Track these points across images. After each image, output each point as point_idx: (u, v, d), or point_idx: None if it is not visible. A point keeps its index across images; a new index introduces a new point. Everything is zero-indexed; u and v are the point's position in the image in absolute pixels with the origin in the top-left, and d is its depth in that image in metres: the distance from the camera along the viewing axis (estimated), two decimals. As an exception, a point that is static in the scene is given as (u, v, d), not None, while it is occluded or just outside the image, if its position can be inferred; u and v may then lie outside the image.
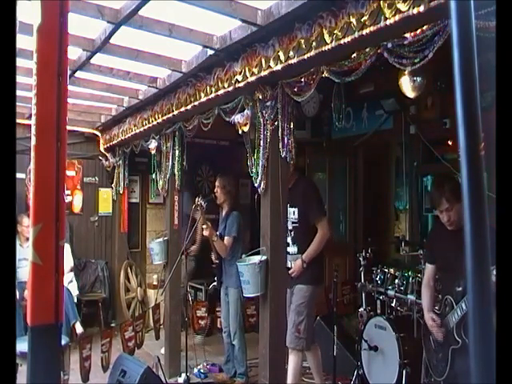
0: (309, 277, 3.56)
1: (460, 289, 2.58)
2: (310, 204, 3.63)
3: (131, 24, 2.84)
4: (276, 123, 3.12)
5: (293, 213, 3.65)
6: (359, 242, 6.47)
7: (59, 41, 1.08)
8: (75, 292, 5.60)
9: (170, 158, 4.64)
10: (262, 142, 3.16)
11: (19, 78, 3.57)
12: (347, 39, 2.26)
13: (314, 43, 2.45)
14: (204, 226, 4.18)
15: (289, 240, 3.63)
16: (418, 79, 4.19)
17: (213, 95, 3.44)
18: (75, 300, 5.50)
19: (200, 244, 5.65)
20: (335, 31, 2.31)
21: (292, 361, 3.56)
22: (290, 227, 3.62)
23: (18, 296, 4.56)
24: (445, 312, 2.74)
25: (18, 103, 3.39)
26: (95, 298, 6.12)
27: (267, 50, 2.81)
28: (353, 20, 2.21)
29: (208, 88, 3.48)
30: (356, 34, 2.20)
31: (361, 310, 4.20)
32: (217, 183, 4.52)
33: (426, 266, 3.09)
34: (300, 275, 3.57)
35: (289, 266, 3.60)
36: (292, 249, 3.66)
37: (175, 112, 4.07)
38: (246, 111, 3.28)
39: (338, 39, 2.30)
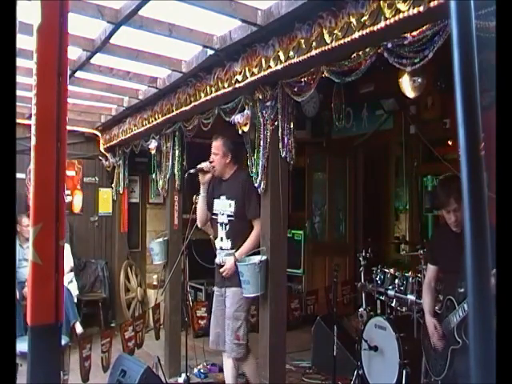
0: None
1: (462, 290, 2.56)
2: (250, 199, 3.42)
3: (131, 24, 2.84)
4: (276, 123, 3.11)
5: (229, 205, 3.48)
6: (359, 242, 6.49)
7: (59, 41, 1.08)
8: (75, 292, 5.59)
9: (170, 157, 4.64)
10: (262, 141, 3.16)
11: (19, 78, 3.56)
12: (347, 39, 2.26)
13: (314, 43, 2.45)
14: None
15: (222, 234, 3.49)
16: (418, 79, 4.18)
17: (213, 95, 3.43)
18: (75, 300, 5.50)
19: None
20: (335, 31, 2.32)
21: (232, 368, 3.46)
22: (225, 221, 3.48)
23: (17, 296, 4.56)
24: (446, 313, 2.73)
25: (18, 103, 3.38)
26: (95, 297, 6.12)
27: (267, 50, 2.81)
28: (353, 20, 2.21)
29: (208, 88, 3.48)
30: (356, 34, 2.20)
31: (361, 310, 4.19)
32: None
33: (428, 266, 3.07)
34: (232, 276, 3.35)
35: (220, 262, 3.49)
36: (225, 244, 3.49)
37: (175, 112, 4.07)
38: (246, 111, 3.28)
39: (338, 39, 2.30)
